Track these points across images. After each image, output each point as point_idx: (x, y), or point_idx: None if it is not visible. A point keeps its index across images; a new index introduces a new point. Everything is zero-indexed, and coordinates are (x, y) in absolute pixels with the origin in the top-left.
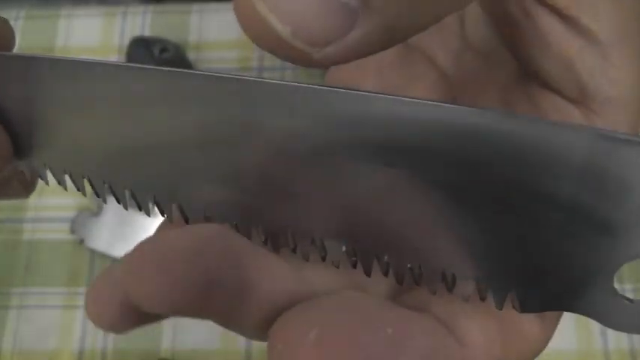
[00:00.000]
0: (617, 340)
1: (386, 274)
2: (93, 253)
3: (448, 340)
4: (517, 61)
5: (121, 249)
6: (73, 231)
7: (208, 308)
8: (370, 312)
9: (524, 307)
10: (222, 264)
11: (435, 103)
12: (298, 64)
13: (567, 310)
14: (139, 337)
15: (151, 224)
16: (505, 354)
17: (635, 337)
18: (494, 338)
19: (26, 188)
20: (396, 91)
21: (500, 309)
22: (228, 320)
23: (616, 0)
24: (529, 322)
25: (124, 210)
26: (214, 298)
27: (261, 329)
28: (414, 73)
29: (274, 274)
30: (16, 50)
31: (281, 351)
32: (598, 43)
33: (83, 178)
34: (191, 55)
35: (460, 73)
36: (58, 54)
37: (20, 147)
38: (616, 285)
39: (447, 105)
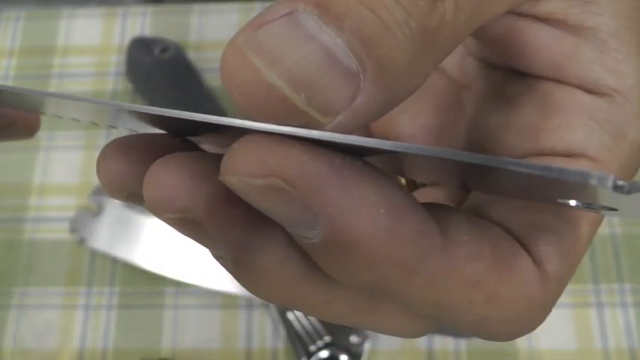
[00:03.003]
0: (617, 340)
1: None
2: (93, 252)
3: (434, 230)
4: (512, 71)
5: (121, 249)
6: (73, 231)
7: (219, 221)
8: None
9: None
10: None
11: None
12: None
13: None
14: (139, 337)
15: (150, 223)
16: (494, 282)
17: (635, 337)
18: (483, 252)
19: (30, 129)
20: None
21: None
22: (239, 250)
23: None
24: (526, 269)
25: (124, 210)
26: (231, 211)
27: (274, 276)
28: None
29: None
30: (16, 50)
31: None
32: (594, 38)
33: None
34: (191, 55)
35: (463, 76)
36: (58, 54)
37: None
38: (615, 284)
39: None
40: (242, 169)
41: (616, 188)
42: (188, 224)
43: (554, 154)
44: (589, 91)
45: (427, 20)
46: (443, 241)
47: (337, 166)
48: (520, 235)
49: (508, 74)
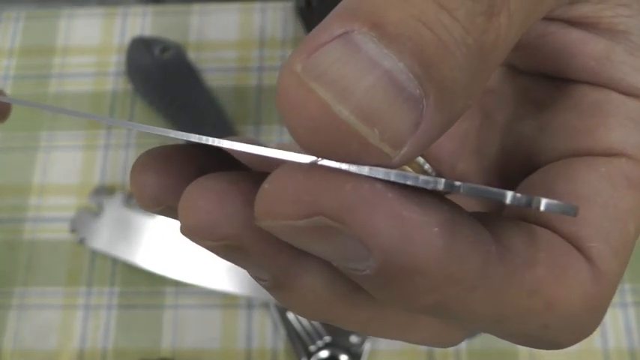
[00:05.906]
0: (617, 340)
1: None
2: (93, 252)
3: (488, 240)
4: (540, 75)
5: (121, 249)
6: (73, 231)
7: (265, 247)
8: None
9: None
10: None
11: None
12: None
13: None
14: (139, 337)
15: (150, 223)
16: (553, 287)
17: (635, 337)
18: (538, 256)
19: (1, 114)
20: None
21: None
22: (283, 273)
23: None
24: (581, 269)
25: (124, 210)
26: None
27: (317, 298)
28: None
29: None
30: (16, 50)
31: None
32: (626, 41)
33: None
34: (191, 55)
35: (489, 83)
36: (58, 54)
37: None
38: None
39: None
40: (280, 211)
41: (451, 187)
42: (230, 250)
43: (592, 154)
44: (624, 92)
45: (484, 37)
46: (498, 250)
47: (381, 191)
48: (568, 234)
49: (535, 78)
